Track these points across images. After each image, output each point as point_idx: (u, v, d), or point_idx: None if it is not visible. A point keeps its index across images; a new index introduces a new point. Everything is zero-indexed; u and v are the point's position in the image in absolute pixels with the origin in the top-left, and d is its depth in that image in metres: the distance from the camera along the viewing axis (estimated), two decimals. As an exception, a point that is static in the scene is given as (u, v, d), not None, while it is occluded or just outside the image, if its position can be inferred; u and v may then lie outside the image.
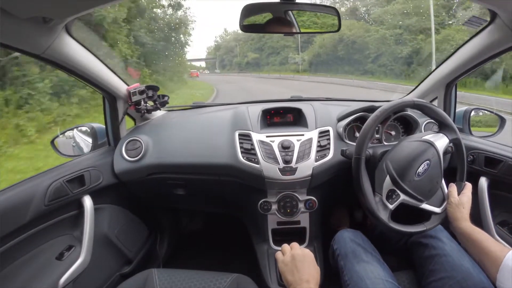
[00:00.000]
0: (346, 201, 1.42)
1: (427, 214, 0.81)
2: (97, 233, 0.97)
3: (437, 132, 0.84)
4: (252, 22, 0.77)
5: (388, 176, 0.79)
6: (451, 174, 0.87)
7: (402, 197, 0.78)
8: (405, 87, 10.34)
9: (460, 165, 0.84)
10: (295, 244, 0.70)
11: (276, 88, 15.19)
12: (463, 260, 0.75)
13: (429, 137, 0.82)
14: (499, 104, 6.19)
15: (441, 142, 0.82)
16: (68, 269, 0.85)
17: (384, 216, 0.77)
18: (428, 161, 0.78)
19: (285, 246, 0.71)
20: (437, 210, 0.81)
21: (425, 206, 0.81)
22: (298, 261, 0.64)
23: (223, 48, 53.92)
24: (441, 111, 0.84)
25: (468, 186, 0.82)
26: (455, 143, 0.84)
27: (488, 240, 0.68)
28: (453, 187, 0.82)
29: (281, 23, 0.79)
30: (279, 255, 0.69)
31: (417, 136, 0.85)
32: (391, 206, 0.78)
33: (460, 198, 0.80)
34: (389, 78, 16.77)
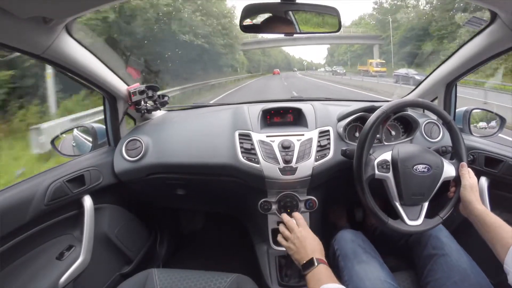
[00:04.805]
0: (346, 201, 1.42)
1: (399, 214, 0.81)
2: (97, 233, 0.97)
3: (451, 159, 0.86)
4: (252, 23, 0.77)
5: (391, 152, 0.82)
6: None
7: (390, 176, 0.81)
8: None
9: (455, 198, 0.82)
10: (292, 223, 0.81)
11: None
12: (461, 260, 0.76)
13: (443, 158, 0.84)
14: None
15: (448, 168, 0.82)
16: (68, 269, 0.85)
17: (365, 172, 0.80)
18: (429, 167, 0.79)
19: (284, 230, 0.82)
20: (405, 220, 0.79)
21: (398, 206, 0.81)
22: (301, 241, 0.75)
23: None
24: (463, 142, 0.84)
25: (470, 170, 0.82)
26: (457, 179, 0.83)
27: (502, 226, 0.67)
28: (465, 167, 0.81)
29: (281, 23, 0.78)
30: (283, 242, 0.81)
31: (435, 146, 0.92)
32: (376, 172, 0.81)
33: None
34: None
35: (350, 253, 0.82)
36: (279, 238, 0.82)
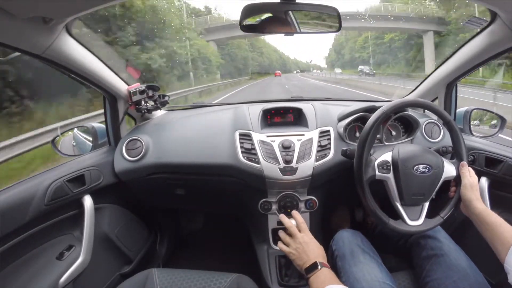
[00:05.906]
0: (346, 201, 1.42)
1: (400, 214, 0.81)
2: (97, 233, 0.97)
3: (451, 159, 0.85)
4: (252, 22, 0.77)
5: (391, 152, 0.82)
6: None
7: (390, 176, 0.80)
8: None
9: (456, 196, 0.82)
10: (293, 229, 0.79)
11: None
12: (460, 260, 0.76)
13: (444, 158, 0.84)
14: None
15: (449, 168, 0.81)
16: (68, 268, 0.85)
17: (365, 173, 0.80)
18: (430, 167, 0.79)
19: (285, 236, 0.81)
20: (406, 220, 0.79)
21: (399, 206, 0.80)
22: (304, 247, 0.75)
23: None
24: (463, 142, 0.83)
25: (471, 169, 0.82)
26: (457, 179, 0.82)
27: (502, 225, 0.67)
28: (466, 166, 0.80)
29: (282, 23, 0.78)
30: (284, 248, 0.79)
31: (436, 146, 0.93)
32: (377, 173, 0.81)
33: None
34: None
35: (348, 254, 0.82)
36: (280, 244, 0.81)
